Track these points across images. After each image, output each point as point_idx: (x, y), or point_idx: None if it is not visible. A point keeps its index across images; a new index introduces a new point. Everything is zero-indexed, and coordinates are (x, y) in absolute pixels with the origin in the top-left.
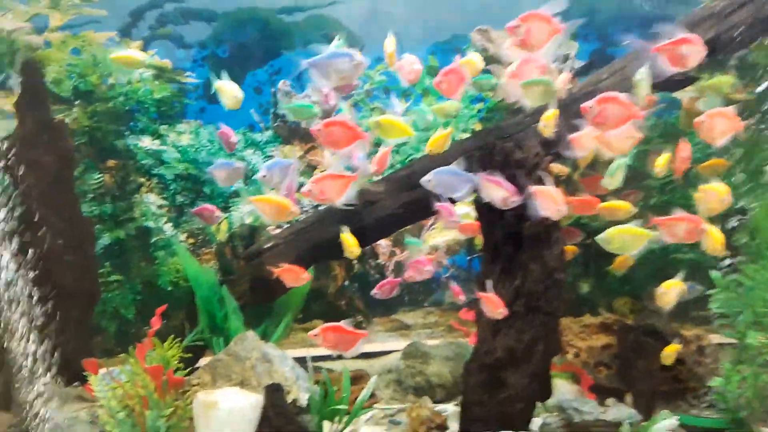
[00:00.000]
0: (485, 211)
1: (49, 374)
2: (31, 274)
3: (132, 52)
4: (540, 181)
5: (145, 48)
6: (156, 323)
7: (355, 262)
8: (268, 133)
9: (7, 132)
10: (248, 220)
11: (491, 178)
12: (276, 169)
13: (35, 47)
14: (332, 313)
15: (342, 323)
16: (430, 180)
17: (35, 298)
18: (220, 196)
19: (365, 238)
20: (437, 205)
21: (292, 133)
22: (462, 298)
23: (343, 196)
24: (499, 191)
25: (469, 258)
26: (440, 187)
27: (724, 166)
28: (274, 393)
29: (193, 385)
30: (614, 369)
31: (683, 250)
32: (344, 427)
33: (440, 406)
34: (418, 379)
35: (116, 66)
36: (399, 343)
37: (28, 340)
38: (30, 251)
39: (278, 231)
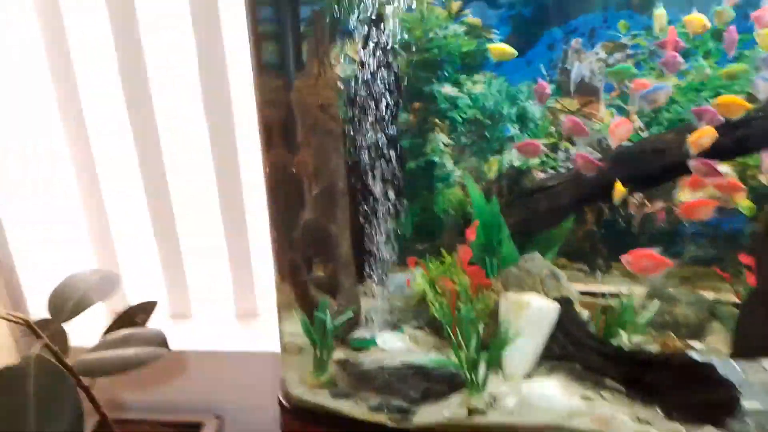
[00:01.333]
0: None
1: None
2: None
3: (505, 45)
4: None
5: (463, 7)
6: (471, 234)
7: (607, 208)
8: (552, 86)
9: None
10: (517, 164)
11: None
12: None
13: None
14: (575, 254)
15: (652, 250)
16: None
17: None
18: (497, 140)
19: (647, 184)
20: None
21: (575, 87)
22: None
23: None
24: None
25: (720, 216)
26: None
27: None
28: (567, 304)
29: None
30: None
31: None
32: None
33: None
34: (666, 317)
35: (494, 56)
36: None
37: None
38: None
39: (545, 175)
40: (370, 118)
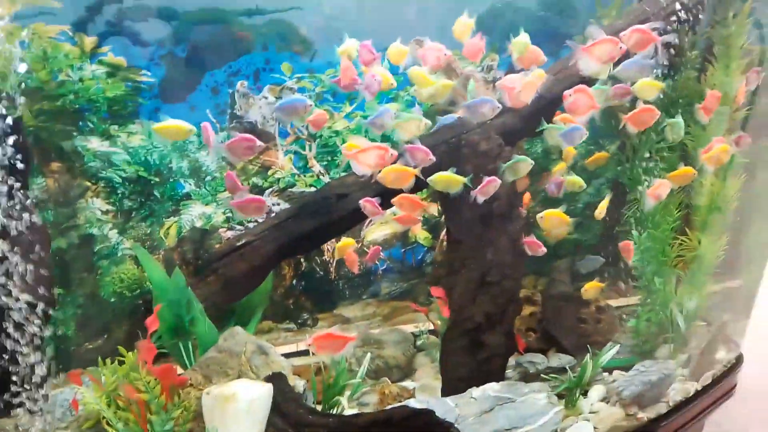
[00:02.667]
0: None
1: None
2: None
3: (178, 122)
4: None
5: (100, 44)
6: (153, 324)
7: (302, 260)
8: (223, 134)
9: None
10: (199, 224)
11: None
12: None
13: None
14: (280, 313)
15: (332, 330)
16: None
17: None
18: (170, 199)
19: (335, 231)
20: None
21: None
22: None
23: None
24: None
25: (403, 250)
26: None
27: (605, 158)
28: (280, 380)
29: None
30: (539, 333)
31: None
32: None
33: (402, 383)
34: (378, 363)
35: (160, 137)
36: None
37: None
38: None
39: (233, 233)
40: None
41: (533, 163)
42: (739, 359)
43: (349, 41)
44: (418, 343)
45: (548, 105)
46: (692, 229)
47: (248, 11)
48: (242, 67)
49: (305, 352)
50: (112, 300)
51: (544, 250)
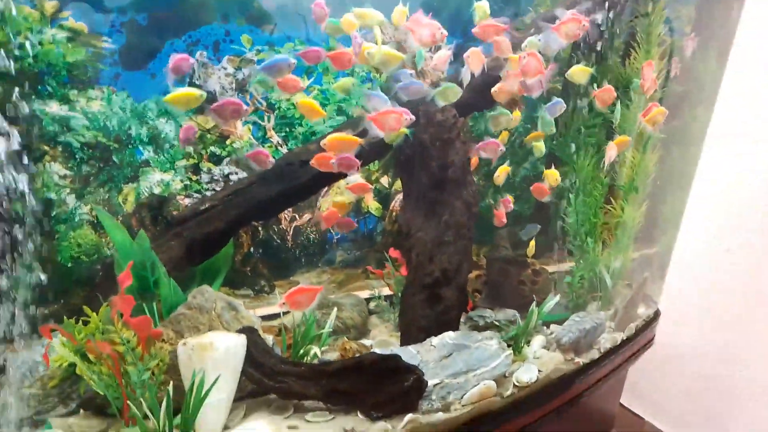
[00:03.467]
0: (406, 165)
1: None
2: None
3: (188, 89)
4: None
5: (60, 9)
6: (126, 279)
7: (259, 228)
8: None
9: None
10: (157, 190)
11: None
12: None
13: None
14: (239, 279)
15: (301, 285)
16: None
17: None
18: (129, 165)
19: (296, 197)
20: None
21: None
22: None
23: None
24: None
25: (356, 220)
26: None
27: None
28: (252, 333)
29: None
30: (484, 293)
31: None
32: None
33: (360, 341)
34: (336, 323)
35: (174, 107)
36: None
37: None
38: None
39: (190, 201)
40: None
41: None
42: (656, 314)
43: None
44: (371, 306)
45: (497, 80)
46: (616, 198)
47: None
48: (202, 38)
49: (266, 318)
50: (70, 265)
51: None
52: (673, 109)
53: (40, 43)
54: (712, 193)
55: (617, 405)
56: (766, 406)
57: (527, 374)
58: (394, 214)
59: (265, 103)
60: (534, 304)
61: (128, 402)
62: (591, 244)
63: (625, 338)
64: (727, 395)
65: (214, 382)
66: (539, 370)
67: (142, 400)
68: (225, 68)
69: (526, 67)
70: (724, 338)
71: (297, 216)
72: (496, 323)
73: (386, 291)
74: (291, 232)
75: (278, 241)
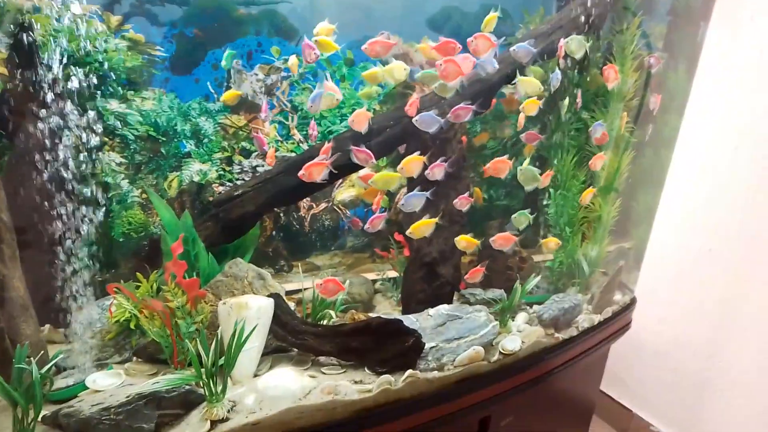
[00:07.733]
0: None
1: None
2: None
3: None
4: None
5: (123, 22)
6: (178, 248)
7: (281, 215)
8: (219, 104)
9: None
10: (196, 178)
11: None
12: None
13: (25, 10)
14: (261, 259)
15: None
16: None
17: None
18: (174, 156)
19: (315, 187)
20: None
21: (239, 104)
22: (361, 225)
23: None
24: None
25: (366, 210)
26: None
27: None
28: (278, 298)
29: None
30: None
31: (500, 199)
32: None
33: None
34: (347, 297)
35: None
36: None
37: None
38: None
39: (224, 189)
40: None
41: None
42: (633, 300)
43: None
44: (376, 286)
45: (489, 89)
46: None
47: (246, 1)
48: (238, 49)
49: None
50: (121, 240)
51: None
52: (647, 116)
53: (105, 51)
54: (696, 195)
55: (597, 391)
56: (739, 395)
57: (512, 344)
58: (398, 205)
59: (289, 105)
60: (518, 282)
61: (180, 347)
62: (569, 232)
63: (602, 320)
64: (704, 387)
65: (252, 331)
66: (522, 341)
67: (190, 346)
68: (256, 74)
69: (444, 72)
70: (703, 334)
71: (314, 205)
72: (486, 300)
73: (391, 273)
74: (308, 219)
75: (297, 226)
